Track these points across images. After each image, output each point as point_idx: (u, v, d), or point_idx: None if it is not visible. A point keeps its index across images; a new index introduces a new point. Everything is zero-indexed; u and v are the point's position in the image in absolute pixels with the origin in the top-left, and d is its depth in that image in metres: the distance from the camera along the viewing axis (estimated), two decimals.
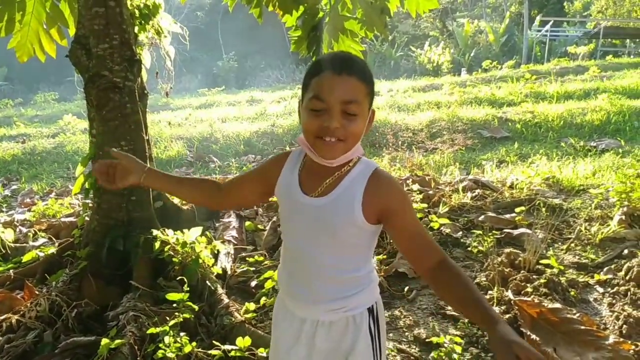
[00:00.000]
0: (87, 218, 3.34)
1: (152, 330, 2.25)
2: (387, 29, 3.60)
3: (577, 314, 2.40)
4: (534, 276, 2.85)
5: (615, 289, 2.74)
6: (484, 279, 2.89)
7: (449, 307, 2.70)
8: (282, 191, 1.31)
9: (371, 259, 1.34)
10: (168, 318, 2.41)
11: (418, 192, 4.10)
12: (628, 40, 23.56)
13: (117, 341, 2.22)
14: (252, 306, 2.68)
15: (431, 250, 1.22)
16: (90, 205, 3.26)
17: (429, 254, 1.21)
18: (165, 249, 2.80)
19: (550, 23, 21.88)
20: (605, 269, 2.94)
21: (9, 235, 3.73)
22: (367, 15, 3.43)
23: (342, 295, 1.27)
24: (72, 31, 3.42)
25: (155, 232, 2.83)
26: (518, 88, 10.51)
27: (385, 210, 1.21)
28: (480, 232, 3.42)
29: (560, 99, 9.26)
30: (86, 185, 3.12)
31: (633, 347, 2.21)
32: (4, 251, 3.62)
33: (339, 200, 1.22)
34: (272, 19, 3.71)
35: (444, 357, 2.22)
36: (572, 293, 2.71)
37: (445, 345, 2.27)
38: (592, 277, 2.90)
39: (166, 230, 2.87)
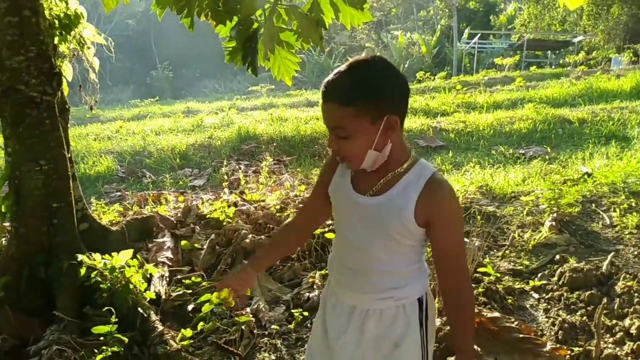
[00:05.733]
0: (4, 243, 3.07)
1: None
2: (323, 40, 3.57)
3: (516, 322, 2.44)
4: (473, 285, 2.89)
5: (549, 295, 2.82)
6: None
7: None
8: (336, 190, 1.38)
9: (423, 254, 1.38)
10: (96, 350, 2.23)
11: None
12: (549, 52, 25.17)
13: None
14: (188, 332, 2.53)
15: (455, 278, 1.31)
16: (7, 229, 2.99)
17: (452, 279, 1.31)
18: (92, 275, 2.61)
19: (478, 36, 22.98)
20: (539, 275, 3.03)
21: None
22: (302, 27, 3.38)
23: (391, 286, 1.32)
24: None
25: (80, 257, 2.62)
26: (450, 98, 10.89)
27: (433, 218, 1.25)
28: None
29: (489, 108, 9.68)
30: (2, 209, 2.86)
31: (569, 352, 2.27)
32: None
33: (393, 201, 1.26)
34: (208, 26, 3.59)
35: None
36: (509, 301, 2.77)
37: None
38: (528, 283, 2.98)
39: (93, 254, 2.67)
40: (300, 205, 3.91)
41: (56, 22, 3.00)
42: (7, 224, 2.99)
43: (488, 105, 9.98)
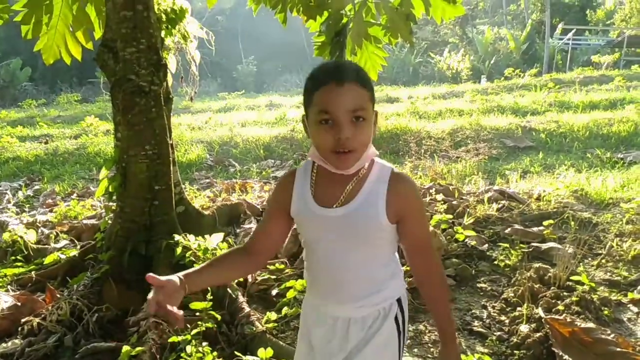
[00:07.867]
0: (109, 221, 3.34)
1: (173, 338, 2.22)
2: (411, 35, 3.54)
3: (612, 335, 2.30)
4: (565, 293, 2.75)
5: None
6: (512, 294, 2.80)
7: (476, 324, 2.63)
8: (300, 210, 1.31)
9: (394, 253, 1.37)
10: (189, 326, 2.38)
11: (442, 202, 4.02)
12: None
13: (138, 348, 2.19)
14: (273, 316, 2.63)
15: (430, 267, 1.33)
16: (112, 208, 3.25)
17: (427, 269, 1.33)
18: (187, 254, 2.78)
19: (573, 31, 21.58)
20: (639, 287, 2.83)
21: (31, 237, 3.74)
22: (392, 22, 3.37)
23: (372, 291, 1.30)
24: (97, 34, 3.42)
25: (177, 237, 2.80)
26: (541, 97, 10.35)
27: (404, 214, 1.26)
28: (507, 245, 3.33)
29: (585, 108, 9.09)
30: (110, 189, 3.12)
31: None
32: (26, 252, 3.63)
33: (364, 205, 1.24)
34: (292, 23, 3.68)
35: None
36: (605, 312, 2.61)
37: None
38: (626, 295, 2.79)
39: (188, 235, 2.85)
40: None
41: (163, 16, 3.20)
42: (112, 203, 3.25)
43: (584, 105, 9.38)
